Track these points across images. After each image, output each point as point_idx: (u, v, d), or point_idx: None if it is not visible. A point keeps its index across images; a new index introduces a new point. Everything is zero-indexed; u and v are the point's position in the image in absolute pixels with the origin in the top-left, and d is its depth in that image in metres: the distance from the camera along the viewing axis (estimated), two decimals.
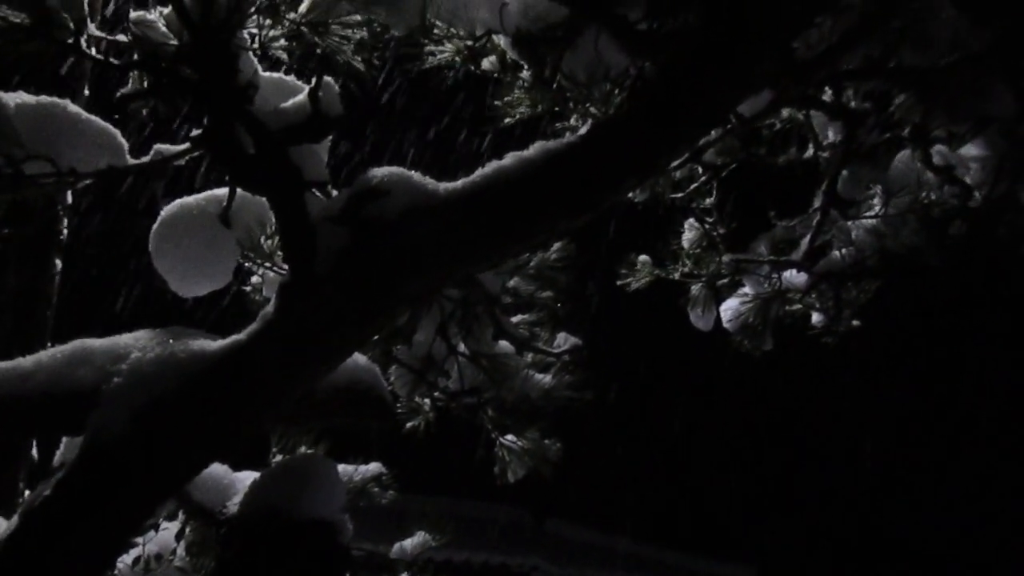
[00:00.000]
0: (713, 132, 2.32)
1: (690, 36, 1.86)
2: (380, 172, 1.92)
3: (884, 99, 2.25)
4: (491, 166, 1.85)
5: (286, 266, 2.15)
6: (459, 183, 1.84)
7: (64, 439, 2.49)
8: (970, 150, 2.32)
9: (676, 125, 1.75)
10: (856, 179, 2.50)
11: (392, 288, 1.84)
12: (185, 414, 1.96)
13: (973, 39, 1.99)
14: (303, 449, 2.99)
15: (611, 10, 1.90)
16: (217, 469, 2.70)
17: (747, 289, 2.99)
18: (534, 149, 1.82)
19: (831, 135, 2.50)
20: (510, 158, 1.82)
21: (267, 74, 2.32)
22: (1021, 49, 1.83)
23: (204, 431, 1.98)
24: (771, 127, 2.62)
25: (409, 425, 3.09)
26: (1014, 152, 2.09)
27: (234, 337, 2.03)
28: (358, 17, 2.06)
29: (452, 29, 2.17)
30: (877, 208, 2.60)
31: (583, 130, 1.93)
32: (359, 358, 2.43)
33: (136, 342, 2.14)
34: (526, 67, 2.37)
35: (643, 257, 3.16)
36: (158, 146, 2.38)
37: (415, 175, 1.94)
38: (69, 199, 4.31)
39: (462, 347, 2.77)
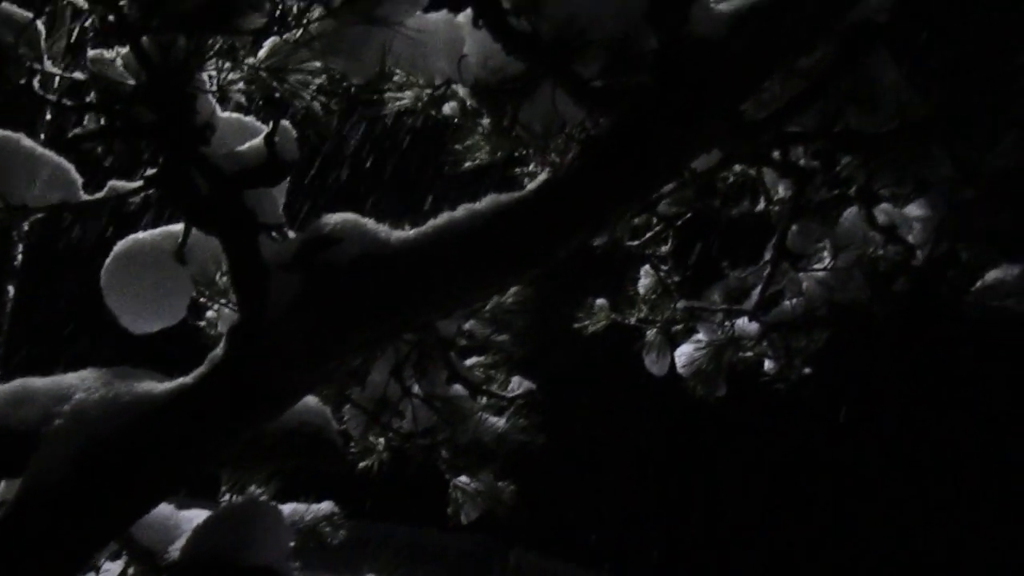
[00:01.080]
0: (668, 184, 2.37)
1: (643, 95, 1.90)
2: (333, 219, 1.93)
3: (832, 157, 2.31)
4: (443, 217, 1.87)
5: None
6: (411, 233, 1.86)
7: (3, 480, 2.44)
8: (914, 210, 2.39)
9: (625, 183, 1.78)
10: (806, 233, 2.56)
11: (342, 336, 1.84)
12: (128, 458, 1.93)
13: (915, 105, 2.06)
14: (253, 488, 2.95)
15: (567, 67, 1.93)
16: (163, 509, 2.65)
17: (701, 336, 3.03)
18: (485, 202, 1.84)
19: (781, 191, 2.56)
20: (462, 210, 1.85)
21: (226, 115, 2.33)
22: (958, 119, 1.90)
23: (147, 476, 1.95)
24: (725, 180, 2.67)
25: (363, 465, 3.07)
26: (954, 214, 2.16)
27: (180, 380, 2.02)
28: (317, 64, 2.08)
29: (411, 78, 2.20)
30: (827, 261, 2.66)
31: (534, 184, 1.96)
32: (310, 400, 2.42)
33: (81, 382, 2.12)
34: (485, 115, 2.41)
35: (600, 301, 3.19)
36: (113, 183, 2.36)
37: (369, 223, 1.96)
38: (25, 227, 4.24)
39: (416, 389, 2.77)
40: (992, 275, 2.44)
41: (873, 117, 2.09)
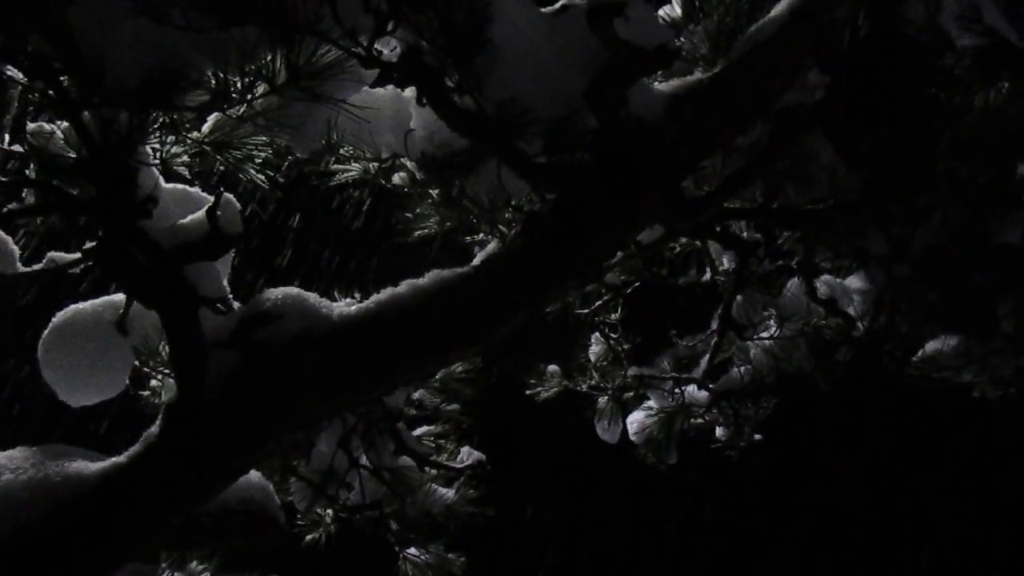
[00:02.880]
0: (610, 260, 2.39)
1: (584, 172, 1.93)
2: (274, 295, 1.91)
3: (773, 231, 2.36)
4: (386, 293, 1.86)
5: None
6: (353, 309, 1.84)
7: None
8: (854, 282, 2.44)
9: (567, 260, 1.80)
10: (751, 303, 2.60)
11: (281, 416, 1.81)
12: (55, 543, 1.85)
13: (849, 183, 2.12)
14: (194, 564, 2.85)
15: (510, 144, 1.96)
16: None
17: (652, 403, 3.03)
18: (429, 277, 1.84)
19: (726, 262, 2.60)
20: (404, 286, 1.84)
21: (170, 186, 2.31)
22: (888, 198, 1.95)
23: (75, 561, 1.87)
24: (672, 250, 2.71)
25: (309, 538, 2.99)
26: (890, 288, 2.20)
27: (114, 459, 1.95)
28: (263, 138, 2.08)
29: (358, 151, 2.21)
30: (772, 330, 2.69)
31: (478, 259, 1.97)
32: (252, 475, 2.35)
33: (10, 462, 2.04)
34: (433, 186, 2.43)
35: (552, 367, 3.19)
36: (52, 254, 2.32)
37: (311, 298, 1.94)
38: None
39: (364, 460, 2.73)
40: (931, 346, 2.49)
41: (810, 194, 2.15)
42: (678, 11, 2.69)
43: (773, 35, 2.00)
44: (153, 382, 2.85)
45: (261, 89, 1.92)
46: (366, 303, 1.84)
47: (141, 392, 2.85)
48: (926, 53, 1.90)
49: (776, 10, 2.03)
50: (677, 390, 2.94)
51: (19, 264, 2.34)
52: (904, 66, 2.01)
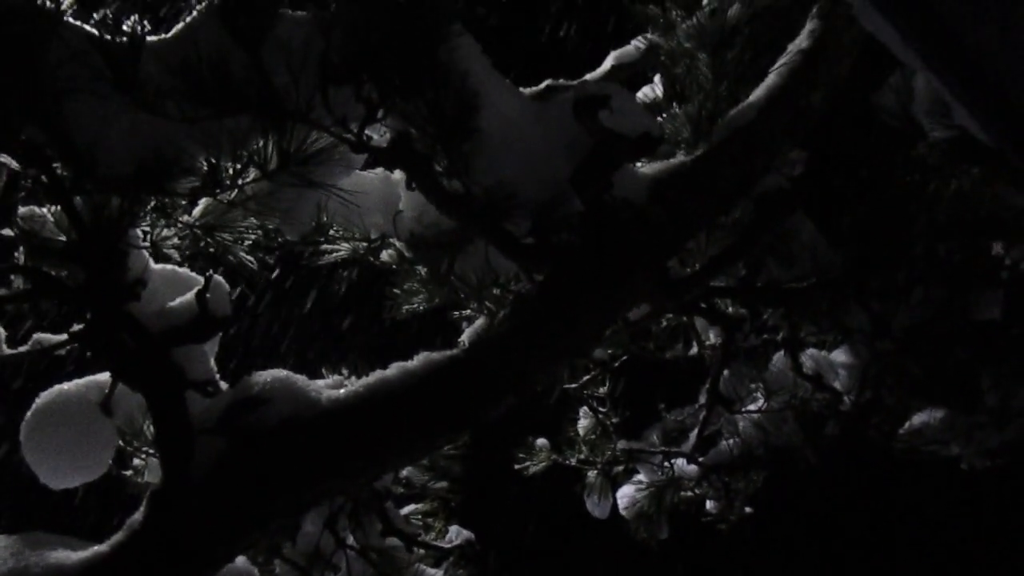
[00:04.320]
0: (597, 340, 2.41)
1: (570, 253, 1.96)
2: (262, 378, 1.90)
3: (758, 306, 2.39)
4: (374, 376, 1.86)
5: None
6: (341, 393, 1.84)
7: None
8: (839, 356, 2.47)
9: (554, 342, 1.81)
10: (738, 377, 2.61)
11: (267, 503, 1.78)
12: None
13: (830, 259, 2.16)
14: None
15: (498, 225, 1.99)
16: None
17: (642, 476, 3.02)
18: (418, 360, 1.84)
19: (712, 337, 2.63)
20: (393, 369, 1.84)
21: (159, 267, 2.32)
22: (869, 275, 1.99)
23: None
24: (658, 324, 2.73)
25: None
26: (875, 362, 2.23)
27: (96, 548, 1.91)
28: (253, 220, 2.11)
29: (347, 232, 2.23)
30: (760, 403, 2.70)
31: (464, 336, 1.98)
32: (237, 560, 2.31)
33: None
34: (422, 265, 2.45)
35: (541, 441, 3.17)
36: (38, 336, 2.31)
37: (299, 381, 1.93)
38: None
39: (351, 540, 2.68)
40: (918, 419, 2.51)
41: (792, 271, 2.18)
42: (660, 92, 2.77)
43: (752, 119, 2.06)
44: (136, 461, 2.80)
45: (252, 174, 1.95)
46: (354, 387, 1.83)
47: (124, 472, 2.81)
48: (900, 139, 1.97)
49: (754, 95, 2.10)
50: (667, 464, 2.92)
51: (4, 346, 2.33)
52: (879, 150, 2.07)
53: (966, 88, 0.99)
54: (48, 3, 1.60)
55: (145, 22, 1.68)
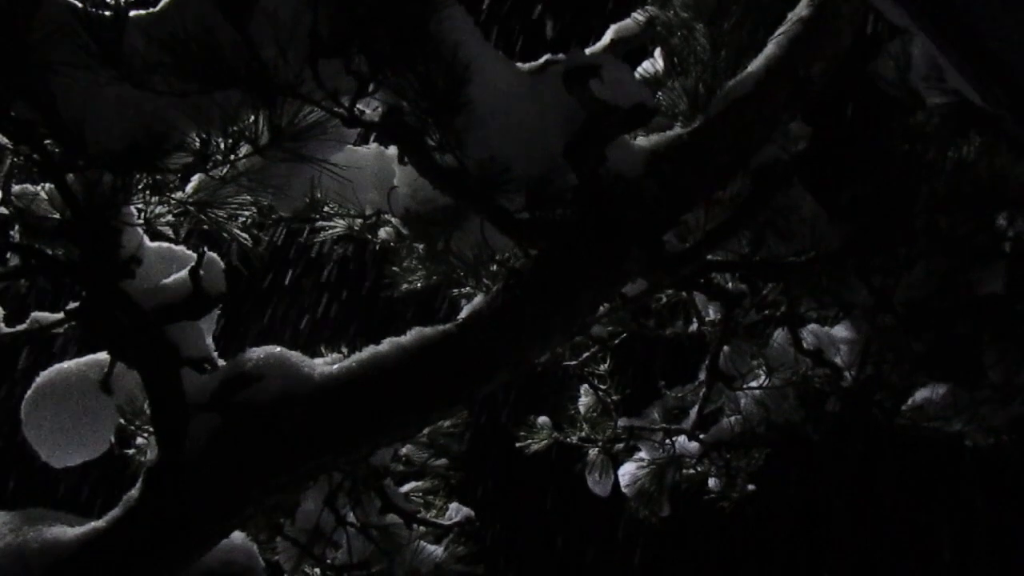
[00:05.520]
0: (592, 316, 2.39)
1: (565, 228, 1.94)
2: (255, 355, 1.90)
3: (758, 281, 2.36)
4: (368, 351, 1.85)
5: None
6: (335, 368, 1.83)
7: None
8: (840, 331, 2.44)
9: (549, 317, 1.79)
10: (738, 353, 2.59)
11: (262, 478, 1.78)
12: None
13: (831, 234, 2.13)
14: None
15: (492, 201, 1.97)
16: None
17: (643, 454, 3.01)
18: (411, 336, 1.83)
19: (712, 313, 2.60)
20: (387, 344, 1.83)
21: (154, 244, 2.31)
22: (870, 249, 1.96)
23: None
24: (658, 301, 2.71)
25: None
26: (876, 338, 2.20)
27: (93, 524, 1.92)
28: (247, 197, 2.09)
29: (342, 208, 2.22)
30: (761, 380, 2.68)
31: (463, 314, 1.97)
32: (235, 535, 2.31)
33: None
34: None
35: (542, 419, 3.16)
36: (35, 314, 2.31)
37: (293, 357, 1.93)
38: None
39: (351, 518, 2.69)
40: (921, 395, 2.48)
41: (792, 245, 2.15)
42: (660, 65, 2.73)
43: (750, 91, 2.03)
44: (139, 440, 2.82)
45: (244, 150, 1.93)
46: (347, 362, 1.83)
47: (126, 451, 2.82)
48: (900, 108, 1.93)
49: (752, 66, 2.07)
50: (668, 441, 2.91)
51: (2, 325, 2.33)
52: (879, 120, 2.03)
53: (961, 52, 0.96)
54: None
55: None
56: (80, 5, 1.67)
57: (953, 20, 0.91)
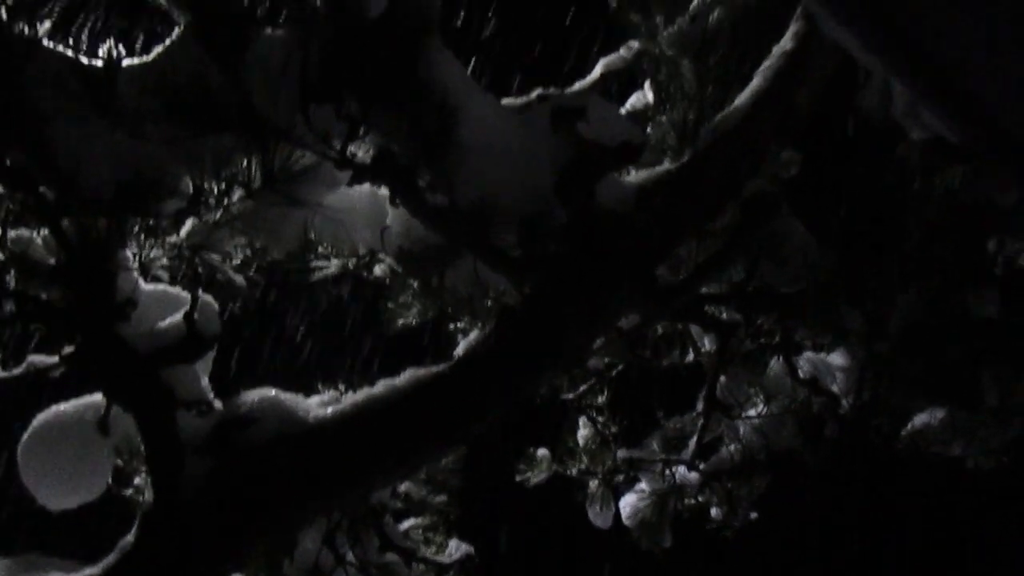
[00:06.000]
0: (585, 352, 2.40)
1: (557, 264, 1.95)
2: (250, 398, 1.90)
3: (751, 312, 2.37)
4: (362, 393, 1.85)
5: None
6: (329, 411, 1.84)
7: None
8: (836, 358, 2.44)
9: (540, 357, 1.80)
10: (735, 382, 2.59)
11: (257, 522, 1.78)
12: None
13: (822, 261, 2.14)
14: None
15: (483, 239, 1.98)
16: None
17: (643, 485, 2.99)
18: (404, 377, 1.84)
19: (707, 343, 2.61)
20: (381, 386, 1.83)
21: (149, 286, 2.32)
22: (862, 275, 1.97)
23: None
24: (654, 332, 2.72)
25: None
26: (872, 363, 2.20)
27: (88, 571, 1.91)
28: (241, 239, 2.11)
29: (335, 248, 2.23)
30: (760, 408, 2.67)
31: (459, 350, 1.97)
32: None
33: None
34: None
35: (542, 451, 3.15)
36: (32, 358, 2.32)
37: (287, 400, 1.93)
38: None
39: (350, 556, 2.67)
40: (919, 419, 2.48)
41: (784, 273, 2.16)
42: (650, 97, 2.76)
43: (737, 124, 2.05)
44: (137, 480, 2.81)
45: (237, 194, 1.95)
46: (342, 404, 1.83)
47: (124, 491, 2.81)
48: (885, 139, 1.95)
49: (739, 100, 2.09)
50: (668, 471, 2.90)
51: None
52: (866, 149, 2.05)
53: (933, 96, 0.97)
54: (25, 29, 1.61)
55: (121, 46, 1.68)
56: (74, 56, 1.70)
57: (923, 67, 0.93)
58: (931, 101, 1.02)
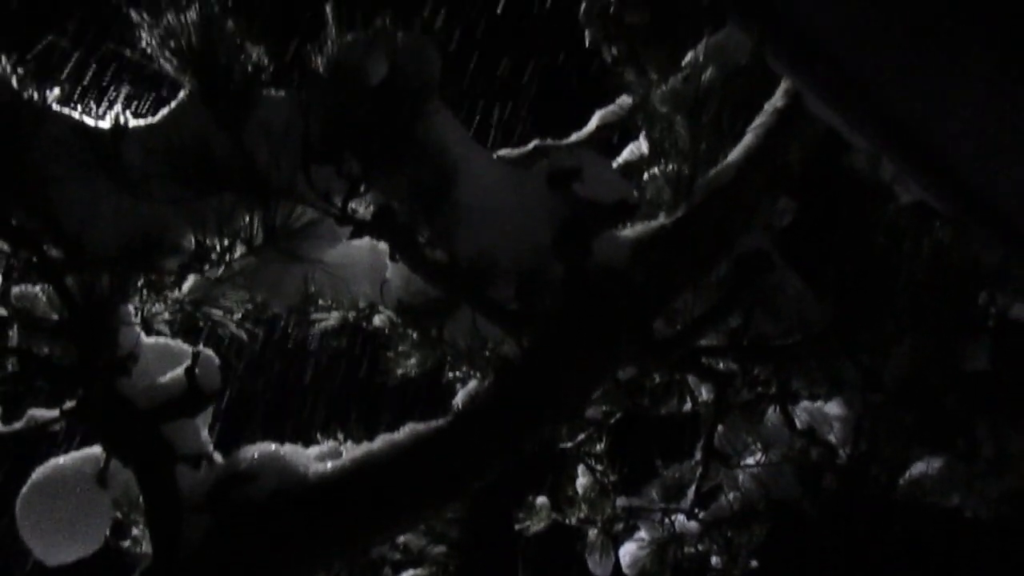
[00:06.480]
0: (582, 406, 2.41)
1: (554, 318, 1.98)
2: (250, 453, 1.91)
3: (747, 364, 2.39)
4: (361, 449, 1.86)
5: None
6: (329, 467, 1.84)
7: None
8: (833, 408, 2.46)
9: (539, 411, 1.81)
10: (733, 432, 2.60)
11: None
12: None
13: (817, 312, 2.17)
14: None
15: (482, 292, 2.01)
16: None
17: (643, 534, 2.99)
18: (404, 432, 1.85)
19: (704, 393, 2.62)
20: (380, 441, 1.85)
21: (151, 340, 2.34)
22: (855, 328, 1.99)
23: None
24: (651, 381, 2.73)
25: None
26: (868, 413, 2.22)
27: None
28: (243, 293, 2.13)
29: (335, 302, 2.26)
30: (758, 456, 2.68)
31: (458, 399, 1.99)
32: None
33: None
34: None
35: (541, 500, 3.15)
36: (32, 412, 2.33)
37: (288, 455, 1.94)
38: None
39: None
40: (917, 469, 2.48)
41: (779, 325, 2.19)
42: (645, 149, 2.81)
43: (731, 180, 2.09)
44: (135, 531, 2.80)
45: (239, 250, 1.98)
46: (342, 460, 1.84)
47: (122, 543, 2.80)
48: (874, 197, 1.99)
49: (732, 156, 2.13)
50: (667, 520, 2.90)
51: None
52: (856, 205, 2.09)
53: (916, 170, 1.01)
54: (34, 96, 1.65)
55: (128, 112, 1.72)
56: (81, 120, 1.74)
57: (907, 145, 0.96)
58: (916, 176, 1.05)
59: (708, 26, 2.44)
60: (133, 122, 1.81)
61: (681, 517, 2.91)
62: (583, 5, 3.25)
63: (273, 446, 1.98)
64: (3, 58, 1.63)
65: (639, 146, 2.89)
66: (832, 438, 2.38)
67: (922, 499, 2.42)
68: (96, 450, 2.50)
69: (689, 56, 2.62)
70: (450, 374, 2.69)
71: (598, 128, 2.94)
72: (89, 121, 1.76)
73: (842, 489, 2.38)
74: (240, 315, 2.21)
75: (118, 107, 1.74)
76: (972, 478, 2.37)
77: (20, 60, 1.67)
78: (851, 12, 0.99)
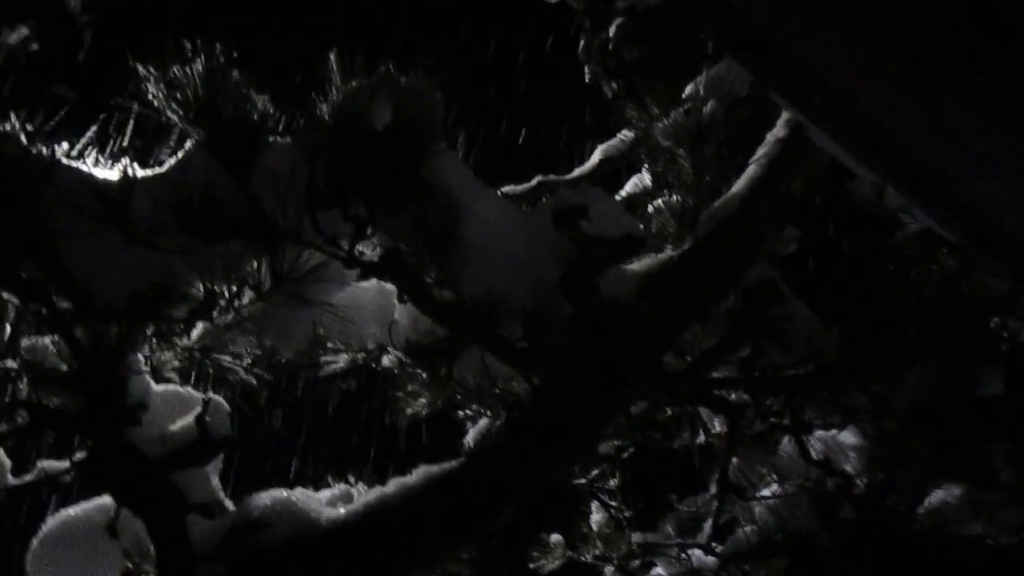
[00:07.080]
0: (595, 443, 2.40)
1: (563, 355, 1.97)
2: (261, 500, 1.90)
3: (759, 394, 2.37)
4: (374, 493, 1.85)
5: None
6: (342, 512, 1.83)
7: None
8: (847, 437, 2.43)
9: (551, 450, 1.80)
10: (747, 463, 2.58)
11: None
12: None
13: (826, 341, 2.16)
14: None
15: (490, 331, 2.01)
16: None
17: (660, 570, 2.94)
18: (416, 475, 1.83)
19: (717, 425, 2.60)
20: (392, 485, 1.83)
21: (160, 388, 2.34)
22: (865, 357, 1.98)
23: None
24: (664, 413, 2.71)
25: None
26: (882, 442, 2.20)
27: None
28: (251, 339, 2.13)
29: (344, 344, 2.26)
30: (774, 487, 2.65)
31: (468, 438, 1.98)
32: None
33: None
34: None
35: (555, 537, 3.11)
36: (42, 464, 2.32)
37: (299, 501, 1.92)
38: None
39: None
40: (936, 497, 2.45)
41: (789, 354, 2.18)
42: (648, 181, 2.83)
43: (735, 211, 2.09)
44: None
45: (248, 296, 1.98)
46: (354, 506, 1.82)
47: None
48: (879, 226, 2.00)
49: (736, 187, 2.14)
50: (684, 555, 2.85)
51: (9, 476, 2.34)
52: (862, 234, 2.09)
53: (922, 200, 1.01)
54: (43, 151, 1.67)
55: (136, 163, 1.74)
56: (89, 173, 1.75)
57: (911, 176, 0.97)
58: (922, 206, 1.05)
59: (707, 60, 2.47)
60: (141, 173, 1.83)
61: (698, 552, 2.87)
62: (582, 42, 3.29)
63: (285, 492, 1.97)
64: (12, 115, 1.65)
65: (642, 179, 2.91)
66: (848, 467, 2.35)
67: (942, 528, 2.38)
68: (106, 500, 2.48)
69: (689, 89, 2.64)
70: (460, 413, 2.68)
71: (600, 162, 2.96)
72: (98, 174, 1.78)
73: (860, 519, 2.35)
74: (249, 361, 2.21)
75: (126, 159, 1.75)
76: (993, 505, 2.34)
77: (29, 116, 1.69)
78: (851, 45, 1.00)
